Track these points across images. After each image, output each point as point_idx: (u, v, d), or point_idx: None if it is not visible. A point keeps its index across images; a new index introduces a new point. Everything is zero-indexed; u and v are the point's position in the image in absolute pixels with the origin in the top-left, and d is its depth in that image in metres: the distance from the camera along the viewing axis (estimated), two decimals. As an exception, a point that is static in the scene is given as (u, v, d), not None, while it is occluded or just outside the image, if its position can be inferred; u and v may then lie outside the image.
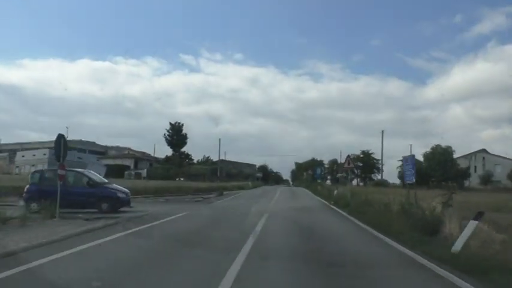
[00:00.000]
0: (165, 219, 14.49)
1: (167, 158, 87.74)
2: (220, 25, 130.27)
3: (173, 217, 15.39)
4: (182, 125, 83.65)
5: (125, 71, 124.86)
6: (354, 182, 73.78)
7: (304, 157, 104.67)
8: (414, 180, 14.00)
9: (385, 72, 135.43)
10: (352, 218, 15.83)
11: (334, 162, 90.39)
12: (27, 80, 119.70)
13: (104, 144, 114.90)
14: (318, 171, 52.28)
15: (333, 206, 23.36)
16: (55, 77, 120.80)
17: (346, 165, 28.14)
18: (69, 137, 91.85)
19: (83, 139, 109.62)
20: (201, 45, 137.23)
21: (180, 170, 76.20)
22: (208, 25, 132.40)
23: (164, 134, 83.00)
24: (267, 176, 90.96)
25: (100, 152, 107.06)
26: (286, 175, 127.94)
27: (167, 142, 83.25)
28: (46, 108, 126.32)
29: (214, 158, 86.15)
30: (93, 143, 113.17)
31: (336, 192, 28.65)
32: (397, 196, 15.33)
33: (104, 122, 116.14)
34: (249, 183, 42.28)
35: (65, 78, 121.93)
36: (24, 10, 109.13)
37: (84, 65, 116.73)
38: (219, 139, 74.63)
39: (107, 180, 20.40)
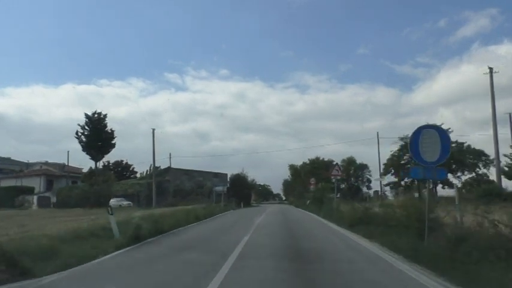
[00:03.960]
0: None
1: (90, 172, 56.78)
2: (204, 42, 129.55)
3: None
4: (105, 116, 52.79)
5: (110, 94, 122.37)
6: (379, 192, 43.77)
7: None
8: None
9: (372, 81, 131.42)
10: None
11: (350, 162, 60.80)
12: (11, 107, 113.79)
13: (25, 161, 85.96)
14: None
15: None
16: (39, 104, 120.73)
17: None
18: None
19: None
20: (186, 63, 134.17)
21: (91, 191, 45.56)
22: (192, 43, 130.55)
23: (76, 133, 52.04)
24: (246, 190, 60.16)
25: (14, 170, 77.49)
26: (277, 188, 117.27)
27: (82, 146, 52.25)
28: (31, 135, 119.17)
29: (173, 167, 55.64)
30: (9, 159, 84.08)
31: None
32: None
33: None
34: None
35: (49, 104, 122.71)
36: (4, 38, 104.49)
37: (69, 90, 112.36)
38: (153, 129, 43.52)
39: None
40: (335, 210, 20.90)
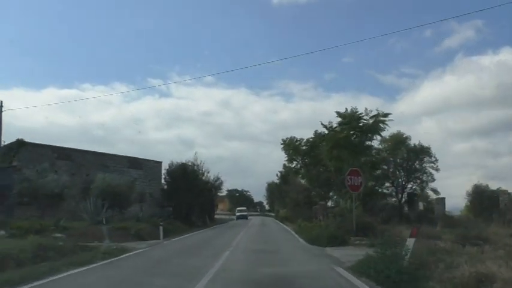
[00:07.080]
0: None
1: None
2: (189, 48, 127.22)
3: None
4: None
5: (93, 98, 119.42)
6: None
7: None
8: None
9: (357, 90, 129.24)
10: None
11: (398, 142, 35.56)
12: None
13: None
14: None
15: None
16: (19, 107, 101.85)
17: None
18: None
19: None
20: (170, 69, 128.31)
21: None
22: (177, 48, 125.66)
23: None
24: (201, 197, 32.17)
25: None
26: (259, 195, 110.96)
27: None
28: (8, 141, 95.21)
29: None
30: None
31: None
32: None
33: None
34: None
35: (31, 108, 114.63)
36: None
37: (50, 94, 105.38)
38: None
39: None
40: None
